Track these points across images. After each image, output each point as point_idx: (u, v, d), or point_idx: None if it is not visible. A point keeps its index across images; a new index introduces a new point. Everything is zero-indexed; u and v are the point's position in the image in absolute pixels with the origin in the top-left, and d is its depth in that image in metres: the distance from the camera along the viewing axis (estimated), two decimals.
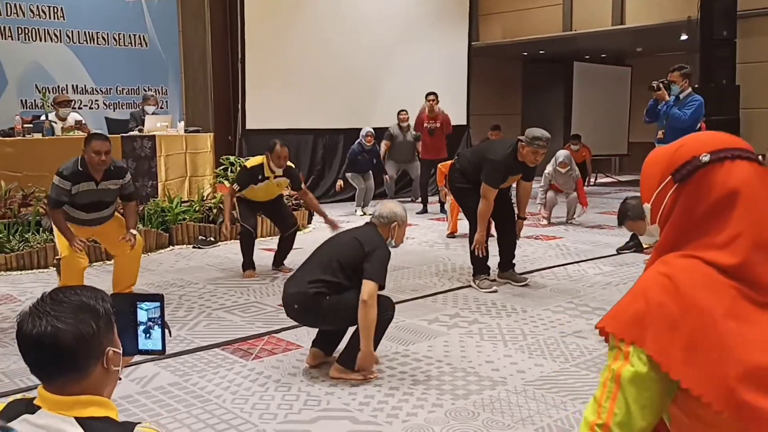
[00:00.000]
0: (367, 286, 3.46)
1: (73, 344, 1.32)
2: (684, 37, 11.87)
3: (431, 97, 9.74)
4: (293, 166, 6.01)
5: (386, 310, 3.60)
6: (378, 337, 3.60)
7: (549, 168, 8.70)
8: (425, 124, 9.78)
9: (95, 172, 4.70)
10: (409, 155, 10.16)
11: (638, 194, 1.57)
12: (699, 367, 1.11)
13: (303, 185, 6.10)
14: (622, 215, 5.10)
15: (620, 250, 6.86)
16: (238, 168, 7.15)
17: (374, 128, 9.80)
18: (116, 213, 5.05)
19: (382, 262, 3.58)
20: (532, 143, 5.05)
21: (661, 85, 6.39)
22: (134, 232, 4.91)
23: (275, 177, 5.84)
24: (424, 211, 9.77)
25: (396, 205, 3.89)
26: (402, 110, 10.15)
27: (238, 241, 6.12)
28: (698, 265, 1.19)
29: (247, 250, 5.98)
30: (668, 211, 1.28)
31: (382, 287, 3.56)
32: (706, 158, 1.22)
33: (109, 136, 5.10)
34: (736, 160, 1.23)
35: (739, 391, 1.09)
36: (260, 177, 5.80)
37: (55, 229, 4.84)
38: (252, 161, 6.00)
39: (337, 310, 3.56)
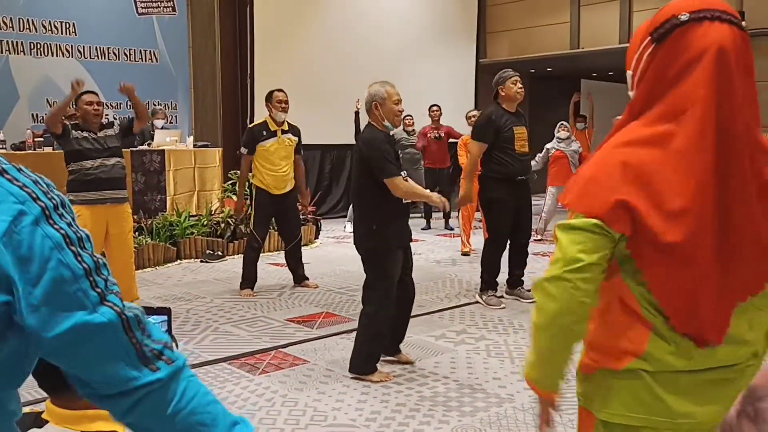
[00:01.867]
0: (389, 186, 3.68)
1: None
2: None
3: (435, 108, 9.81)
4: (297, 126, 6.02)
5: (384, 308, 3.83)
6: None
7: (549, 144, 8.75)
8: (429, 134, 9.81)
9: (92, 124, 4.95)
10: (414, 160, 10.16)
11: None
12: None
13: (302, 151, 6.04)
14: None
15: None
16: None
17: None
18: (131, 214, 5.13)
19: (377, 157, 3.70)
20: (504, 79, 5.37)
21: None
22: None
23: (282, 132, 5.83)
24: (428, 227, 9.78)
25: (372, 86, 3.92)
26: (407, 115, 10.17)
27: (243, 254, 6.09)
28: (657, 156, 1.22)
29: (251, 265, 5.86)
30: (643, 72, 1.25)
31: (395, 174, 3.69)
32: (684, 17, 1.19)
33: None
34: (716, 21, 1.18)
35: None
36: (265, 133, 5.77)
37: None
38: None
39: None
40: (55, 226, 0.89)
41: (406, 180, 3.78)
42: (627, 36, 12.71)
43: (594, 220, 1.23)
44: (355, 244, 3.88)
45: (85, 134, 4.92)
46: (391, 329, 3.95)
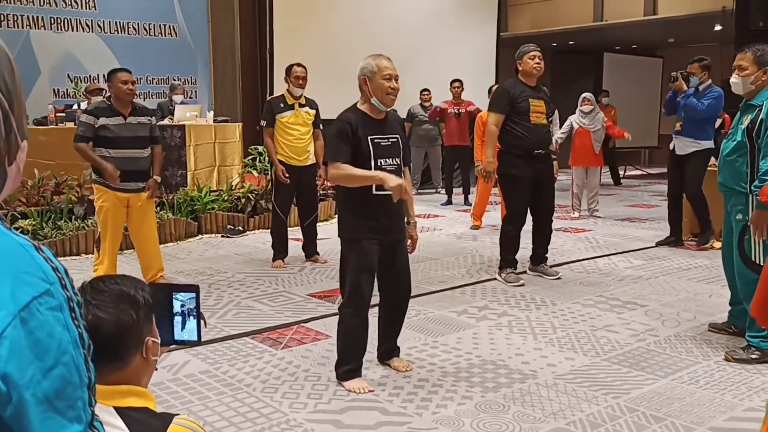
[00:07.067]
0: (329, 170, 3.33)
1: (113, 333, 1.32)
2: (718, 27, 11.65)
3: (456, 84, 9.66)
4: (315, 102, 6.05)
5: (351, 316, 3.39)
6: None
7: (573, 117, 8.58)
8: (449, 110, 9.67)
9: (122, 105, 4.79)
10: (431, 137, 10.06)
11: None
12: None
13: (321, 126, 6.01)
14: None
15: (660, 244, 6.79)
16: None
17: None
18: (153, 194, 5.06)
19: (328, 137, 3.43)
20: (522, 54, 5.28)
21: (679, 76, 6.30)
22: (157, 179, 4.99)
23: (300, 106, 5.89)
24: (449, 202, 9.72)
25: (364, 59, 3.57)
26: (424, 89, 10.06)
27: (269, 229, 6.19)
28: None
29: (277, 238, 6.00)
30: None
31: (333, 159, 3.30)
32: None
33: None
34: None
35: None
36: (283, 105, 5.85)
37: (97, 217, 4.91)
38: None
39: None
40: (76, 322, 0.82)
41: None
42: (652, 8, 12.45)
43: None
44: None
45: (113, 120, 4.73)
46: (380, 334, 3.64)
